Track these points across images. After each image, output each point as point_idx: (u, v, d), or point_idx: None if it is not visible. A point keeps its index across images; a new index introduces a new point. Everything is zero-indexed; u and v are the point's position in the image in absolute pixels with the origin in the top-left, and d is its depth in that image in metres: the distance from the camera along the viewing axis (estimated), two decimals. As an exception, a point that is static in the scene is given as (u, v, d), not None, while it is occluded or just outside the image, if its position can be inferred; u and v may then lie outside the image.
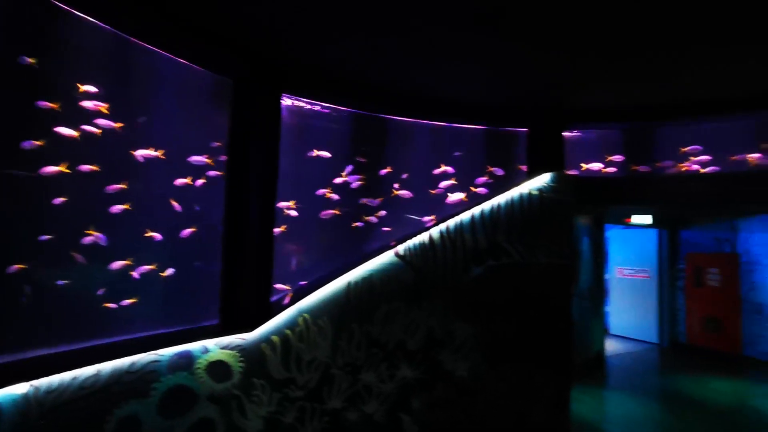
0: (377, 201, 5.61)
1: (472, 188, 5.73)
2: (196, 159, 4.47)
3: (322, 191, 5.26)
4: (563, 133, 5.79)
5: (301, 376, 4.33)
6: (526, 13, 3.55)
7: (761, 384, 8.24)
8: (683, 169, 5.55)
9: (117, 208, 3.97)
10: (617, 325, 11.72)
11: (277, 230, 4.56)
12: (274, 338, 4.28)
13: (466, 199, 5.45)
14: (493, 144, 6.04)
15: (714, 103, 5.18)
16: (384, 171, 5.67)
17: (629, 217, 9.87)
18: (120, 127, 3.94)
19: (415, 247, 4.95)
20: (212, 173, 4.54)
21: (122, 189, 3.98)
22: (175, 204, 4.40)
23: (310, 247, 5.30)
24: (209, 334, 4.00)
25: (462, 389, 4.94)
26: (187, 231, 4.50)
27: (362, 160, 5.60)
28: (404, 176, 5.72)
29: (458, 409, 4.92)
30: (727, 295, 9.85)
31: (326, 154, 5.36)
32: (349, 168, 5.46)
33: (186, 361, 3.77)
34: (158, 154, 4.20)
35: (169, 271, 4.35)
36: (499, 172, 5.68)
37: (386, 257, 4.90)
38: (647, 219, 10.13)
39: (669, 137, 5.81)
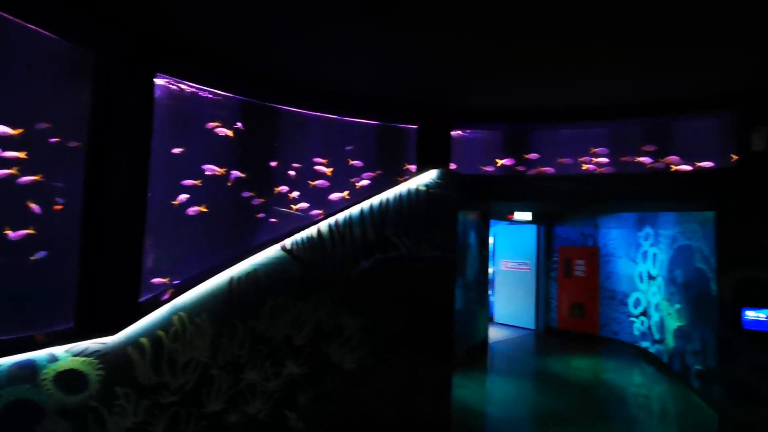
0: (261, 195, 5.39)
1: (357, 184, 5.78)
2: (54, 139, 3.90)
3: (190, 181, 4.85)
4: (451, 132, 6.06)
5: (174, 379, 4.01)
6: (413, 10, 3.63)
7: (611, 359, 9.47)
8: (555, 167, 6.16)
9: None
10: (501, 313, 12.68)
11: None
12: (143, 340, 3.91)
13: (348, 197, 5.46)
14: (384, 139, 6.14)
15: (580, 111, 5.78)
16: (273, 163, 5.48)
17: (512, 214, 10.72)
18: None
19: (302, 240, 4.85)
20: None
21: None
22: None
23: (186, 242, 4.93)
24: (61, 340, 3.52)
25: (350, 381, 4.96)
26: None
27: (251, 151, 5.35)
28: (291, 170, 5.57)
29: (346, 401, 4.94)
30: (589, 284, 11.15)
31: (226, 131, 5.01)
32: (233, 175, 5.18)
33: (28, 371, 3.28)
34: (11, 132, 3.57)
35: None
36: (389, 167, 5.78)
37: (272, 251, 4.74)
38: (527, 215, 11.09)
39: (543, 139, 6.39)
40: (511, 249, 12.54)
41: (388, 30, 3.99)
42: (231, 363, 4.37)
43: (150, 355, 3.92)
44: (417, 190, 5.37)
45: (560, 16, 3.60)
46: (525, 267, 12.12)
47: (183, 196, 4.83)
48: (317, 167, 5.66)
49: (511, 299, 12.43)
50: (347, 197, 5.51)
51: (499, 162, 6.15)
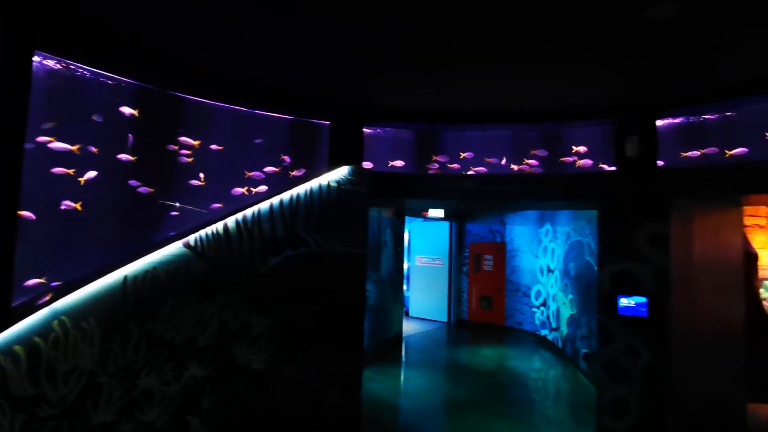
0: (161, 189, 5.07)
1: (253, 189, 5.65)
2: None
3: (61, 169, 4.40)
4: (363, 129, 6.13)
5: (55, 390, 3.66)
6: (315, 8, 3.61)
7: (515, 348, 10.17)
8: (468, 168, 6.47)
9: None
10: (416, 308, 13.08)
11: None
12: (17, 348, 3.52)
13: (253, 192, 5.31)
14: (297, 134, 6.06)
15: (485, 115, 6.12)
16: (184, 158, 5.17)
17: (426, 211, 11.08)
18: None
19: (207, 237, 4.65)
20: None
21: None
22: None
23: (72, 238, 4.51)
24: None
25: (258, 381, 4.84)
26: None
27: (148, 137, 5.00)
28: (186, 157, 5.27)
29: (253, 401, 4.81)
30: (496, 278, 11.87)
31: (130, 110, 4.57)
32: (130, 138, 4.79)
33: None
34: None
35: None
36: (301, 162, 5.72)
37: (174, 248, 4.48)
38: (440, 213, 11.53)
39: (451, 140, 6.69)
40: (425, 245, 12.97)
41: (295, 26, 3.94)
42: (124, 369, 4.06)
43: (25, 365, 3.54)
44: (328, 186, 5.37)
45: (465, 26, 3.79)
46: (438, 262, 12.60)
47: (89, 174, 4.38)
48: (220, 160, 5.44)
49: (425, 294, 12.87)
50: (252, 192, 5.35)
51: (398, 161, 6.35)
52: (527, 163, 6.39)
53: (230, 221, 4.78)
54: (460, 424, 5.93)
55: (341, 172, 5.46)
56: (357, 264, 5.46)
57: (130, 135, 4.84)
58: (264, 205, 5.00)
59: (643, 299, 4.88)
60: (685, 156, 5.42)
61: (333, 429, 5.24)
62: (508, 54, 4.30)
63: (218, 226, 4.70)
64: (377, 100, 5.80)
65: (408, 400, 6.99)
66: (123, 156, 4.80)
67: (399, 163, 6.54)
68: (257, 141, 5.58)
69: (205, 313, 4.57)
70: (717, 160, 5.28)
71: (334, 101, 5.87)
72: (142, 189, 4.96)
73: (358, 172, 5.53)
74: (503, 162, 6.53)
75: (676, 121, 5.72)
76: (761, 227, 7.99)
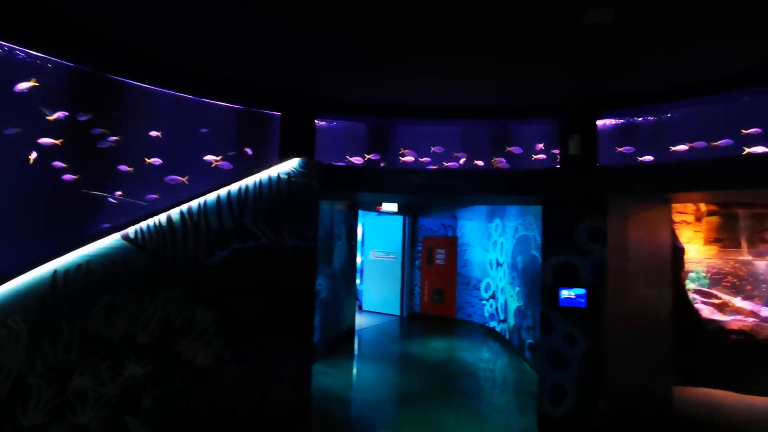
0: (93, 178, 4.79)
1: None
2: None
3: None
4: (315, 121, 6.06)
5: (-25, 392, 3.39)
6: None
7: (465, 339, 10.45)
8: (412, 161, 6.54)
9: None
10: (369, 301, 13.14)
11: None
12: (-70, 349, 3.23)
13: (188, 182, 5.11)
14: (247, 124, 5.90)
15: (436, 110, 6.20)
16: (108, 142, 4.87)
17: (380, 205, 11.14)
18: None
19: (149, 229, 4.44)
20: None
21: None
22: None
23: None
24: None
25: (203, 378, 4.70)
26: None
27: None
28: (111, 139, 4.98)
29: (198, 399, 4.67)
30: (448, 272, 12.12)
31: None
32: (60, 113, 4.46)
33: None
34: None
35: None
36: (250, 153, 5.58)
37: (111, 240, 4.25)
38: (394, 207, 11.62)
39: (404, 134, 6.73)
40: (379, 239, 13.03)
41: (243, 15, 3.82)
42: (54, 369, 3.83)
43: (-61, 367, 3.26)
44: (279, 178, 5.27)
45: (415, 20, 3.81)
46: (392, 256, 12.71)
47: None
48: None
49: (378, 287, 12.95)
50: (186, 181, 5.14)
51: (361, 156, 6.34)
52: (479, 158, 6.55)
53: (174, 212, 4.60)
54: (409, 414, 6.03)
55: (292, 164, 5.37)
56: (307, 257, 5.41)
57: (60, 115, 4.52)
58: (211, 197, 4.84)
59: (582, 291, 5.13)
60: (620, 153, 5.74)
61: (281, 424, 5.18)
62: (457, 50, 4.37)
63: (161, 217, 4.51)
64: (330, 92, 5.74)
65: (359, 393, 7.03)
66: (46, 140, 4.48)
67: (357, 160, 6.52)
68: (203, 130, 5.38)
69: (146, 309, 4.38)
70: (657, 159, 5.63)
71: (286, 92, 5.76)
72: (68, 176, 4.64)
73: (309, 165, 5.47)
74: (463, 160, 6.65)
75: (616, 121, 6.04)
76: (688, 223, 8.61)
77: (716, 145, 5.22)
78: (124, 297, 4.26)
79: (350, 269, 9.98)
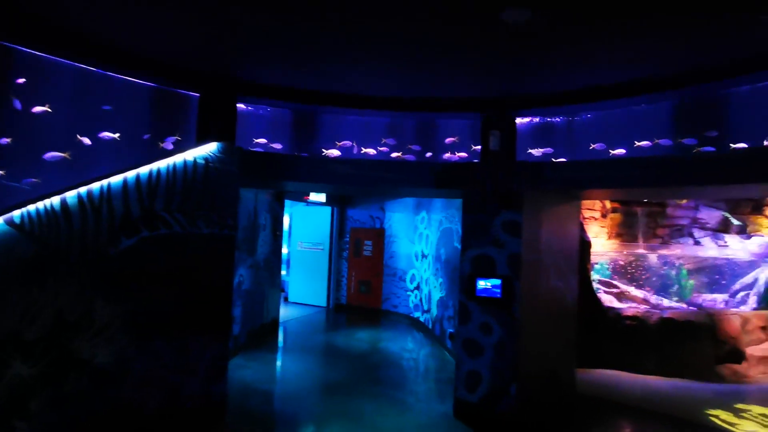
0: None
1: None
2: None
3: None
4: (236, 105, 5.77)
5: None
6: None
7: (390, 330, 10.60)
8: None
9: None
10: (295, 293, 12.91)
11: None
12: None
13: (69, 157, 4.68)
14: (161, 104, 5.49)
15: (361, 100, 6.15)
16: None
17: (308, 195, 10.92)
18: None
19: (38, 213, 3.99)
20: None
21: None
22: None
23: None
24: None
25: (102, 377, 4.33)
26: None
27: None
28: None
29: (97, 399, 4.30)
30: (375, 263, 12.20)
31: None
32: None
33: None
34: None
35: None
36: (164, 135, 5.20)
37: (-9, 226, 3.77)
38: (322, 197, 11.46)
39: (330, 123, 6.62)
40: (307, 230, 12.81)
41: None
42: None
43: None
44: (195, 162, 4.96)
45: (338, 5, 3.71)
46: (319, 248, 12.55)
47: None
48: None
49: (305, 279, 12.75)
50: (68, 156, 4.67)
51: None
52: (406, 149, 6.60)
53: (71, 195, 4.16)
54: (330, 406, 5.99)
55: (210, 148, 5.08)
56: (225, 246, 5.16)
57: None
58: (116, 180, 4.44)
59: (498, 281, 5.36)
60: (540, 150, 6.07)
61: (193, 421, 4.93)
62: (379, 38, 4.34)
63: (53, 200, 4.06)
64: (252, 74, 5.48)
65: (279, 386, 6.88)
66: None
67: (278, 146, 6.30)
68: (106, 107, 4.91)
69: (34, 302, 3.94)
70: (569, 158, 5.99)
71: (206, 72, 5.42)
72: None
73: (228, 150, 5.20)
74: (396, 154, 6.66)
75: (535, 120, 6.36)
76: (595, 219, 9.33)
77: (639, 146, 5.76)
78: (5, 290, 3.80)
79: (275, 260, 9.71)
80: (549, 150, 6.22)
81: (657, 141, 5.67)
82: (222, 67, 5.32)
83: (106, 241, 4.35)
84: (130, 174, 4.54)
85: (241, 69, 5.35)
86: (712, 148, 5.27)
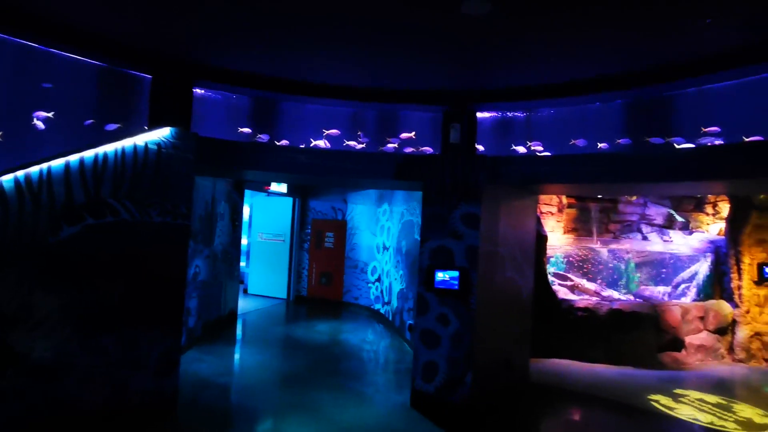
0: None
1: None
2: None
3: None
4: (192, 89, 5.54)
5: None
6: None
7: (350, 322, 10.59)
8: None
9: None
10: (255, 285, 12.66)
11: None
12: None
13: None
14: (109, 84, 5.20)
15: (322, 88, 6.04)
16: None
17: (269, 185, 10.69)
18: None
19: (-31, 198, 3.71)
20: None
21: None
22: None
23: None
24: None
25: (42, 372, 4.10)
26: None
27: None
28: None
29: (37, 396, 4.07)
30: (337, 255, 12.13)
31: None
32: None
33: None
34: None
35: None
36: (112, 117, 4.93)
37: None
38: (283, 188, 11.25)
39: (290, 112, 6.48)
40: (268, 221, 12.57)
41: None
42: None
43: None
44: (146, 147, 4.74)
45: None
46: (280, 239, 12.35)
47: None
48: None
49: (265, 270, 12.53)
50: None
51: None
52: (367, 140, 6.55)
53: (6, 179, 3.89)
54: (287, 398, 5.92)
55: (163, 133, 4.86)
56: (178, 236, 4.97)
57: None
58: (57, 163, 4.19)
59: (455, 273, 5.43)
60: (500, 144, 6.16)
61: (142, 416, 4.75)
62: (339, 25, 4.26)
63: (-13, 184, 3.78)
64: (209, 58, 5.28)
65: (235, 379, 6.73)
66: None
67: (241, 134, 6.10)
68: (45, 85, 4.60)
69: (-36, 293, 3.67)
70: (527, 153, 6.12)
71: (160, 54, 5.18)
72: None
73: (183, 136, 5.00)
74: (361, 146, 6.57)
75: (497, 114, 6.45)
76: (552, 214, 9.61)
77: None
78: (-67, 279, 3.52)
79: (234, 251, 9.48)
80: (517, 147, 6.33)
81: (618, 141, 5.87)
82: (177, 49, 5.09)
83: (46, 228, 4.10)
84: (73, 158, 4.29)
85: (198, 52, 5.14)
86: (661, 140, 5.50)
